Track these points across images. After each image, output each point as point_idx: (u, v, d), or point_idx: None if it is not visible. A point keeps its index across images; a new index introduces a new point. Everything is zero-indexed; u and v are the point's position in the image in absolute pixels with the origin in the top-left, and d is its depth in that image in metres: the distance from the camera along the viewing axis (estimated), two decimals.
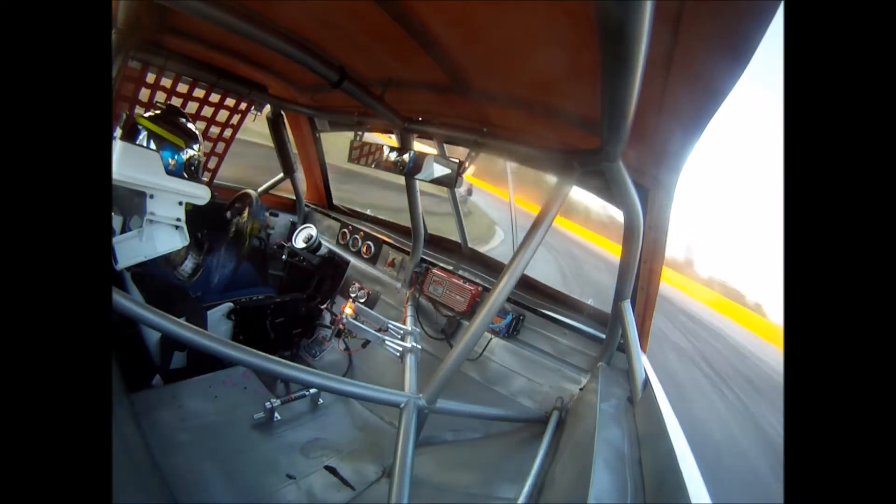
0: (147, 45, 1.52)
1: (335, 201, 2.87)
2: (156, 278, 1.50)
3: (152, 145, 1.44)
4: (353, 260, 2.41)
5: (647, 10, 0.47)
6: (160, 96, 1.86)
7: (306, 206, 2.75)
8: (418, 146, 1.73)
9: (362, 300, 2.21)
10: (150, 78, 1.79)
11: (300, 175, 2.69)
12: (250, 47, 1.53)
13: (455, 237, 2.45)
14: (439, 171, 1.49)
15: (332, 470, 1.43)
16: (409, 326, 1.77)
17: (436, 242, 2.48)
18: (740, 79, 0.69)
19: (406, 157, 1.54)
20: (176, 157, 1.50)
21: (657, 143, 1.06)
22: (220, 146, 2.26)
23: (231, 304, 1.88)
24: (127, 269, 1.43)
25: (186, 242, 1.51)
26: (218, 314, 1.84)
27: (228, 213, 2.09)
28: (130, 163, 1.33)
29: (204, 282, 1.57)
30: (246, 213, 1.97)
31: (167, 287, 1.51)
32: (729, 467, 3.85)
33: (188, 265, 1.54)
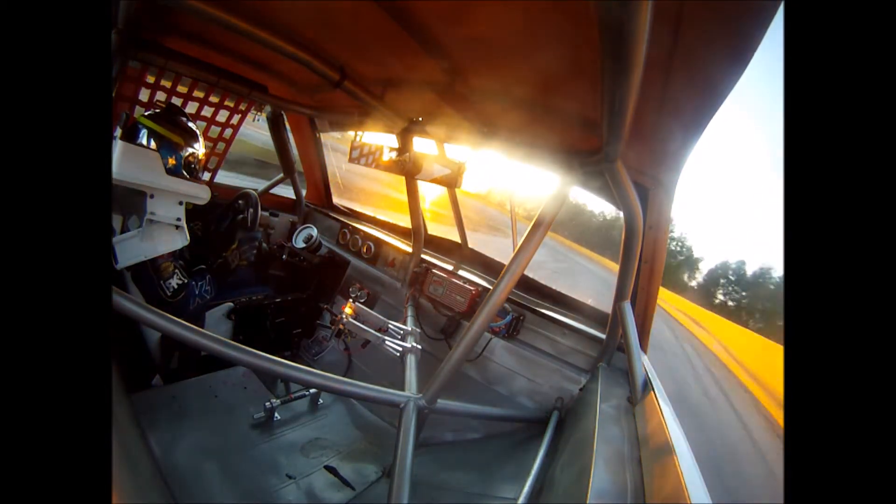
0: (147, 45, 1.52)
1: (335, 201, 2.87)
2: (141, 284, 1.49)
3: (152, 144, 1.44)
4: (353, 260, 2.41)
5: (647, 10, 0.47)
6: (160, 96, 1.86)
7: (306, 206, 2.75)
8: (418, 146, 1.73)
9: (362, 300, 2.21)
10: (150, 78, 1.79)
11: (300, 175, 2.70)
12: (250, 47, 1.53)
13: (455, 237, 2.45)
14: (439, 171, 1.50)
15: (332, 470, 1.44)
16: (409, 326, 1.77)
17: (436, 242, 2.48)
18: (740, 79, 0.70)
19: (406, 157, 1.54)
20: (176, 155, 1.50)
21: (657, 143, 1.06)
22: (221, 146, 2.26)
23: (231, 304, 1.88)
24: (127, 268, 1.43)
25: (186, 242, 1.51)
26: (218, 314, 1.84)
27: (230, 213, 2.09)
28: (130, 162, 1.32)
29: (183, 304, 1.56)
30: (235, 244, 1.95)
31: (149, 295, 1.49)
32: None
33: (173, 282, 1.52)
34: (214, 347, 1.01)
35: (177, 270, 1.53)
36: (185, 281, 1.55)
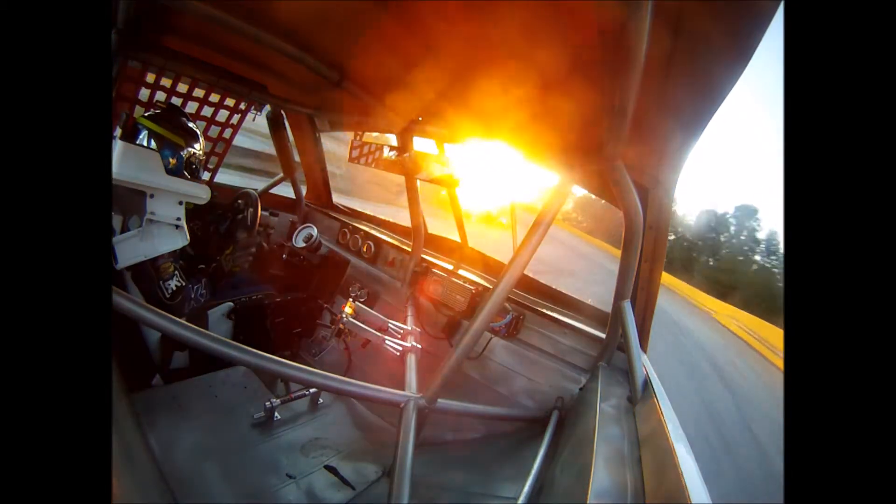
0: (147, 45, 1.51)
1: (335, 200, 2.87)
2: (141, 285, 1.49)
3: (153, 145, 1.44)
4: (353, 259, 2.41)
5: (647, 10, 0.47)
6: (160, 96, 1.86)
7: (306, 205, 2.75)
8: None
9: (362, 300, 2.21)
10: (150, 78, 1.79)
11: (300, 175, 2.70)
12: (250, 47, 1.53)
13: (455, 237, 2.45)
14: (439, 170, 1.50)
15: (332, 469, 1.44)
16: (409, 326, 1.77)
17: (436, 242, 2.48)
18: (740, 79, 0.70)
19: (406, 156, 1.54)
20: (176, 156, 1.50)
21: (657, 143, 1.06)
22: (220, 146, 2.26)
23: (231, 304, 1.88)
24: (127, 268, 1.43)
25: (186, 242, 1.51)
26: (218, 314, 1.84)
27: (230, 213, 2.09)
28: (130, 163, 1.33)
29: (179, 307, 1.57)
30: (230, 249, 1.95)
31: (148, 296, 1.50)
32: None
33: (173, 284, 1.52)
34: (214, 347, 1.01)
35: (177, 272, 1.53)
36: (184, 284, 1.56)
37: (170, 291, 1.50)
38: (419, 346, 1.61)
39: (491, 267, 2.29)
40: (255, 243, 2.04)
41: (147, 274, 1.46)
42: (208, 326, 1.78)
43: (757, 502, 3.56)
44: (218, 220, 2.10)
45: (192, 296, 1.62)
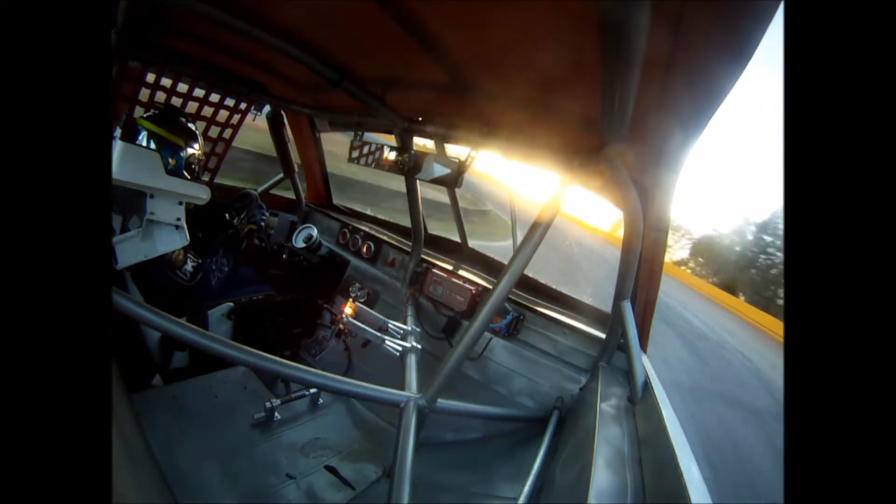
0: (147, 45, 1.51)
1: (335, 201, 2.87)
2: (156, 279, 1.51)
3: (152, 145, 1.44)
4: (353, 260, 2.41)
5: (647, 9, 0.47)
6: (160, 96, 1.86)
7: (306, 206, 2.75)
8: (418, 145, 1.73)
9: (362, 300, 2.21)
10: (150, 78, 1.79)
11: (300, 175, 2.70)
12: (250, 47, 1.53)
13: (455, 237, 2.45)
14: (439, 170, 1.50)
15: (332, 470, 1.44)
16: (409, 326, 1.77)
17: (436, 242, 2.48)
18: (740, 78, 0.70)
19: (406, 156, 1.54)
20: (176, 156, 1.50)
21: (657, 143, 1.06)
22: (220, 146, 2.27)
23: (231, 304, 1.88)
24: (127, 268, 1.43)
25: (186, 242, 1.51)
26: (218, 314, 1.84)
27: (227, 215, 2.09)
28: (130, 163, 1.33)
29: (204, 284, 1.58)
30: (243, 214, 1.97)
31: (168, 287, 1.51)
32: None
33: (188, 267, 1.55)
34: (214, 347, 1.01)
35: (188, 255, 1.56)
36: (199, 261, 1.58)
37: (188, 274, 1.53)
38: (419, 346, 1.61)
39: (491, 267, 2.29)
40: (264, 206, 2.06)
41: (159, 270, 1.48)
42: (208, 326, 1.78)
43: (757, 502, 3.56)
44: (218, 221, 2.10)
45: (214, 267, 1.66)
